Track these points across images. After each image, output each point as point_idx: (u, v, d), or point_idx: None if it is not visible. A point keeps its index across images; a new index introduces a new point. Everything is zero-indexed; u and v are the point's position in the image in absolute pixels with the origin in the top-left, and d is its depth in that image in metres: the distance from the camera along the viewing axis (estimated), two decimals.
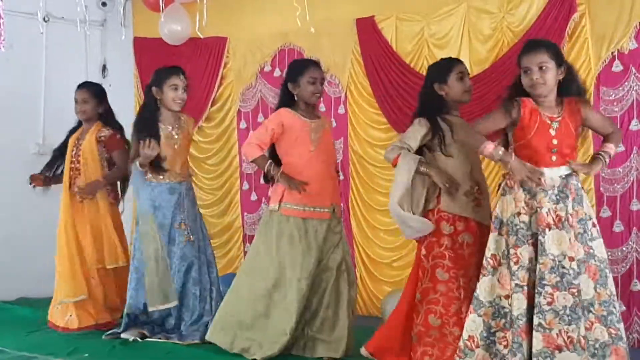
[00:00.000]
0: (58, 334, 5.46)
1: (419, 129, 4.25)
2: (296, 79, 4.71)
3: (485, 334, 3.90)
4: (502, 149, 3.88)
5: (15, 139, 6.26)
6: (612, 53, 4.99)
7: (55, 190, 5.85)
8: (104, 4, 7.38)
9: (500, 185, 4.06)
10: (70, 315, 5.51)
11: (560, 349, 3.70)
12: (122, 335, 5.23)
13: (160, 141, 5.15)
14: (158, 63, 6.16)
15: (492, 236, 3.96)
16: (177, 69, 5.32)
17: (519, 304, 3.80)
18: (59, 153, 5.80)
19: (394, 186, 4.20)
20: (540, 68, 3.80)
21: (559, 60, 3.87)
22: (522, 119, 3.87)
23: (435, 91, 4.29)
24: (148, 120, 5.21)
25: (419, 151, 4.27)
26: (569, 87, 3.91)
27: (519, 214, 3.87)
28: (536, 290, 3.76)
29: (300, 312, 4.62)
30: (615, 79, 5.00)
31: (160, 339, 5.20)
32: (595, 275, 3.82)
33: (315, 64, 4.84)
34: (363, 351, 4.40)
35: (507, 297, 3.86)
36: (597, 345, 3.77)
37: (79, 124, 5.80)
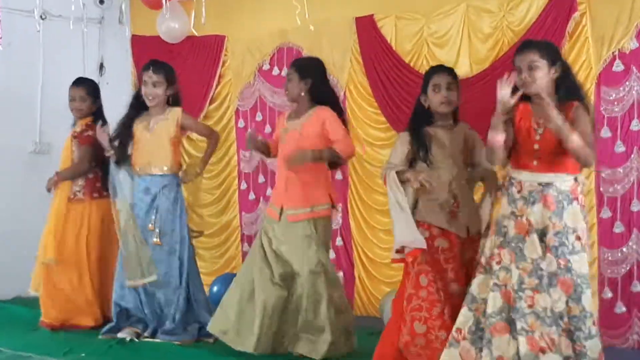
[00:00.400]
0: (54, 334, 5.43)
1: (400, 145, 4.33)
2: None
3: (473, 328, 3.89)
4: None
5: (12, 137, 6.23)
6: (612, 53, 4.97)
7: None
8: (101, 2, 7.35)
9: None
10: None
11: (544, 351, 3.72)
12: (119, 335, 5.21)
13: (129, 136, 5.28)
14: None
15: (491, 237, 3.97)
16: (148, 64, 5.32)
17: (494, 302, 3.82)
18: None
19: (390, 206, 4.25)
20: (530, 67, 3.80)
21: (552, 58, 3.83)
22: (514, 123, 3.91)
23: (422, 102, 4.35)
24: (123, 115, 5.36)
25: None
26: (566, 87, 3.86)
27: (505, 217, 3.90)
28: (517, 295, 3.78)
29: (266, 314, 4.64)
30: (616, 79, 4.98)
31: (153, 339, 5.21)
32: (569, 289, 3.75)
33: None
34: None
35: None
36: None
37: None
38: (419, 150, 4.24)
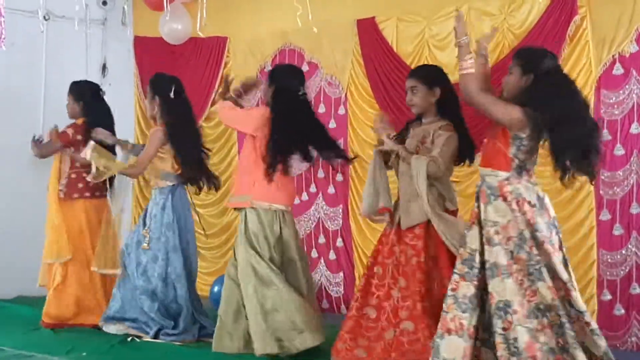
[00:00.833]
0: (56, 333, 5.46)
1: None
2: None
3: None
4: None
5: (14, 137, 6.25)
6: (612, 56, 4.99)
7: None
8: (104, 3, 7.38)
9: None
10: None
11: (449, 332, 3.90)
12: (104, 329, 5.36)
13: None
14: (158, 62, 6.20)
15: None
16: None
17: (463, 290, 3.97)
18: None
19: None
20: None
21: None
22: None
23: None
24: None
25: None
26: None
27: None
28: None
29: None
30: (615, 82, 4.99)
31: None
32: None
33: None
34: None
35: None
36: (516, 344, 3.81)
37: None
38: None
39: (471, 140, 4.50)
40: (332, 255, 6.31)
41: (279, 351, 4.63)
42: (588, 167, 3.86)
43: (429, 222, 4.34)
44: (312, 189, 6.40)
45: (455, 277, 3.98)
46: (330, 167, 5.69)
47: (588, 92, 5.05)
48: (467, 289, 3.92)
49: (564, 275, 3.83)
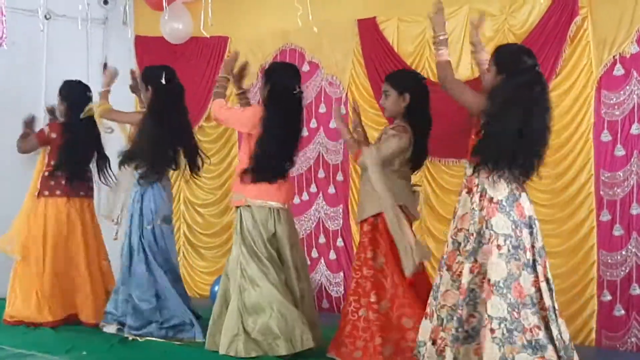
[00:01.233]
0: (56, 332, 5.46)
1: None
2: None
3: None
4: None
5: (15, 136, 6.23)
6: (613, 57, 4.99)
7: None
8: (105, 2, 7.37)
9: None
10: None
11: (425, 317, 4.15)
12: (104, 329, 5.40)
13: None
14: (159, 62, 6.17)
15: None
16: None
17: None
18: None
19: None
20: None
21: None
22: None
23: None
24: None
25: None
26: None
27: None
28: None
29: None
30: (616, 83, 4.99)
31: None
32: None
33: None
34: None
35: None
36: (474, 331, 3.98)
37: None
38: None
39: (425, 147, 4.64)
40: (332, 255, 6.31)
41: (244, 354, 4.61)
42: (514, 169, 3.94)
43: (377, 216, 4.48)
44: (313, 188, 6.40)
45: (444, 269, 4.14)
46: (331, 167, 5.69)
47: (589, 92, 5.06)
48: (437, 278, 4.13)
49: (493, 276, 3.88)
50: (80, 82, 5.95)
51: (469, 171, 4.08)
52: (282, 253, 4.83)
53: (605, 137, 5.02)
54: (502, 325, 3.85)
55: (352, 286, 4.59)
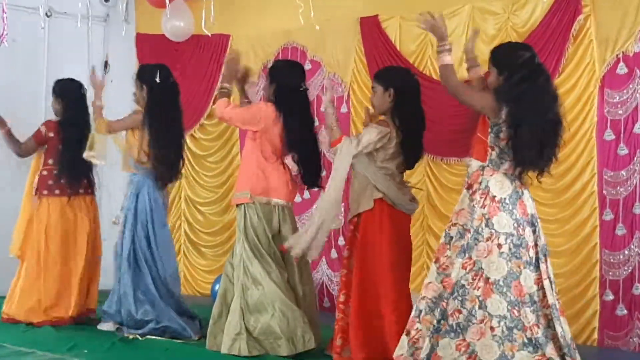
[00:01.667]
0: (57, 330, 5.45)
1: None
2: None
3: None
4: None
5: (16, 133, 6.22)
6: (616, 55, 4.98)
7: None
8: (106, 0, 7.37)
9: None
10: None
11: None
12: (99, 327, 5.42)
13: None
14: (160, 59, 6.16)
15: None
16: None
17: None
18: None
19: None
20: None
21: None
22: None
23: None
24: None
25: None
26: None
27: None
28: None
29: None
30: (619, 82, 4.98)
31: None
32: None
33: None
34: None
35: None
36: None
37: None
38: None
39: (418, 146, 4.57)
40: (333, 254, 6.30)
41: (247, 352, 4.60)
42: (542, 163, 3.93)
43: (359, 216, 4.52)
44: None
45: None
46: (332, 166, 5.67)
47: (592, 91, 5.05)
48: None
49: (493, 275, 3.87)
50: (73, 79, 5.92)
51: (472, 168, 4.07)
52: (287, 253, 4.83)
53: (609, 136, 5.01)
54: (502, 323, 3.84)
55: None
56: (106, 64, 7.44)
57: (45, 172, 5.75)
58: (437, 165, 5.72)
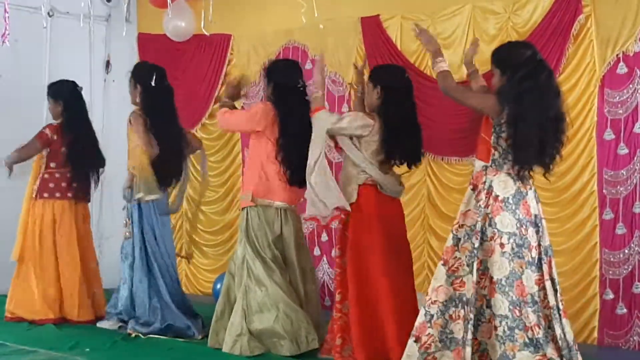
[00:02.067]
0: (59, 329, 5.47)
1: None
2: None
3: None
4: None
5: (18, 133, 6.23)
6: (617, 55, 4.98)
7: None
8: (108, 0, 7.38)
9: None
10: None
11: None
12: (99, 324, 5.48)
13: None
14: (162, 59, 6.18)
15: None
16: None
17: None
18: None
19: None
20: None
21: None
22: None
23: None
24: None
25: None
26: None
27: None
28: None
29: None
30: (619, 81, 4.99)
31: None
32: None
33: None
34: None
35: None
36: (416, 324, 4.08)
37: None
38: None
39: (413, 146, 4.54)
40: (335, 253, 6.30)
41: (248, 352, 4.61)
42: (545, 160, 3.94)
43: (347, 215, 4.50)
44: None
45: None
46: (334, 165, 5.67)
47: (592, 91, 5.06)
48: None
49: (496, 274, 3.88)
50: (66, 80, 5.92)
51: (476, 169, 4.08)
52: (288, 254, 4.84)
53: (609, 135, 5.02)
54: (504, 322, 3.85)
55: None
56: (108, 63, 7.45)
57: (46, 176, 5.76)
58: (437, 165, 5.73)
